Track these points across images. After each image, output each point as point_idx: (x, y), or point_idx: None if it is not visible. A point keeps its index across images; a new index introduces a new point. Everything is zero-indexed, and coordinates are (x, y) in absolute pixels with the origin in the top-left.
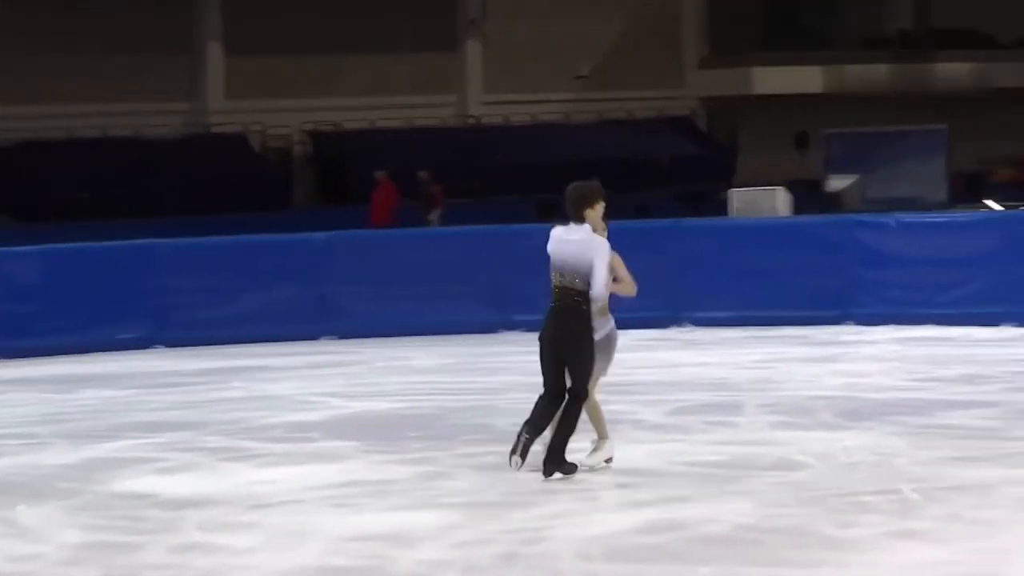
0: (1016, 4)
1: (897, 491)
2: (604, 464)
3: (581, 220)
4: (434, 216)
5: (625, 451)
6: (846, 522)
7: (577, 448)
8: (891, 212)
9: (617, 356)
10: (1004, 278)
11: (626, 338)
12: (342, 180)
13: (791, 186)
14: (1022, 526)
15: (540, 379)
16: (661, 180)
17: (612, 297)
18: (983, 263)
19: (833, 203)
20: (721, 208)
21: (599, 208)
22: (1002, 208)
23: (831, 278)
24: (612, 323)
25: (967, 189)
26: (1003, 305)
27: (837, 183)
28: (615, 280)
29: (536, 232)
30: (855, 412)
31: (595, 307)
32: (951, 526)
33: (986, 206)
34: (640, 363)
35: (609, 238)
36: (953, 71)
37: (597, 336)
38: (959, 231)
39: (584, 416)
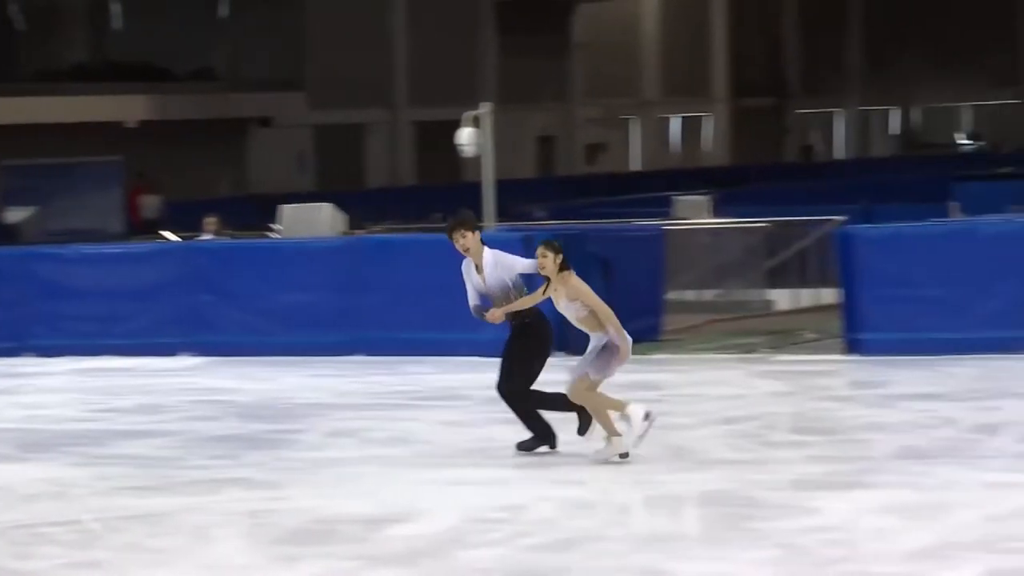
0: (189, 39)
1: (77, 522)
2: (619, 458)
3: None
4: None
5: None
6: (24, 554)
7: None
8: (69, 244)
9: None
10: (180, 308)
11: None
12: None
13: None
14: (197, 554)
15: None
16: None
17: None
18: (160, 293)
19: (11, 235)
20: None
21: (460, 242)
22: (179, 239)
23: (9, 310)
24: (607, 337)
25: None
26: (179, 335)
27: (15, 215)
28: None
29: None
30: (35, 444)
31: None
32: (130, 555)
33: (164, 237)
34: None
35: None
36: (130, 103)
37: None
38: (136, 262)
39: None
